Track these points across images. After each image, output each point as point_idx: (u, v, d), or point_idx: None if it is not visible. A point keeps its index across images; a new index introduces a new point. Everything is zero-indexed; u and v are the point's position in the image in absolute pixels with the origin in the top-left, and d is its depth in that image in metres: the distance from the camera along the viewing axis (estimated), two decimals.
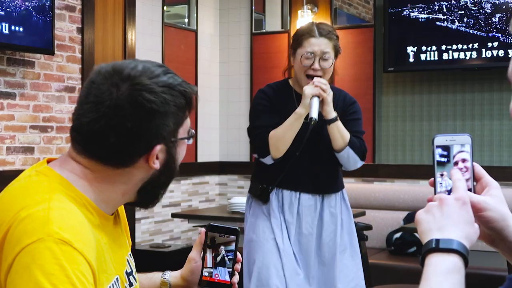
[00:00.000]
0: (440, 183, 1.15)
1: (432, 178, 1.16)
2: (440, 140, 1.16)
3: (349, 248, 3.17)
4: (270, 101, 3.13)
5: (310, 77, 3.04)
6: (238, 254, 1.53)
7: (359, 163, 3.11)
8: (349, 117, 3.14)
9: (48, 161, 1.37)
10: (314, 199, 3.12)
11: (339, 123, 3.03)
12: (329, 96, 2.99)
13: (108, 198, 1.34)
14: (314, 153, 3.11)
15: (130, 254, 1.47)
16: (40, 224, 1.18)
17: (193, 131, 1.44)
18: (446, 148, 1.16)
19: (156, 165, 1.34)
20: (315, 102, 2.96)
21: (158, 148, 1.32)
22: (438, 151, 1.16)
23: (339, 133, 3.02)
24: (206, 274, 1.53)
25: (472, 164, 1.15)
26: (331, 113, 3.02)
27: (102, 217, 1.34)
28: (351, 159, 3.06)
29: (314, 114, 2.94)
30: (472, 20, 5.28)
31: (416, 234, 5.01)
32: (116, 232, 1.41)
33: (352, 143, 3.04)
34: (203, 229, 1.56)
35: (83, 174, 1.32)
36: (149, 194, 1.41)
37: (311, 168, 3.12)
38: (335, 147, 3.04)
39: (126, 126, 1.28)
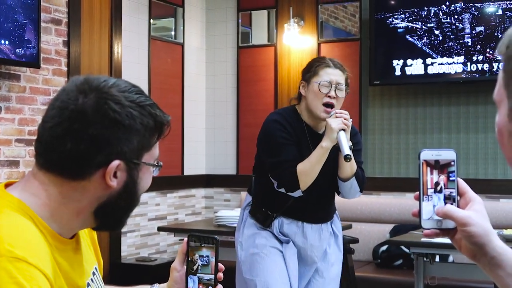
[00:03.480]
0: (425, 196, 1.17)
1: (417, 192, 1.17)
2: (426, 154, 1.17)
3: (339, 261, 3.28)
4: (288, 132, 3.10)
5: (325, 106, 3.06)
6: (220, 264, 1.54)
7: (358, 194, 3.16)
8: (353, 147, 3.10)
9: (9, 184, 1.34)
10: (318, 227, 3.18)
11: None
12: (349, 124, 3.01)
13: (61, 218, 1.30)
14: (320, 185, 3.10)
15: (93, 279, 1.42)
16: None
17: (161, 163, 1.39)
18: (432, 162, 1.17)
19: (113, 182, 1.29)
20: (343, 136, 2.95)
21: (116, 163, 1.28)
22: (424, 165, 1.17)
23: (350, 165, 3.04)
24: (191, 284, 1.54)
25: (456, 179, 1.17)
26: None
27: (56, 239, 1.29)
28: (352, 190, 3.11)
29: (348, 151, 2.92)
30: (458, 34, 5.33)
31: (402, 247, 5.02)
32: (75, 257, 1.36)
33: (357, 174, 3.08)
34: (186, 238, 1.57)
35: (37, 191, 1.29)
36: (107, 218, 1.35)
37: (317, 200, 3.15)
38: (343, 175, 3.07)
39: (86, 133, 1.25)
